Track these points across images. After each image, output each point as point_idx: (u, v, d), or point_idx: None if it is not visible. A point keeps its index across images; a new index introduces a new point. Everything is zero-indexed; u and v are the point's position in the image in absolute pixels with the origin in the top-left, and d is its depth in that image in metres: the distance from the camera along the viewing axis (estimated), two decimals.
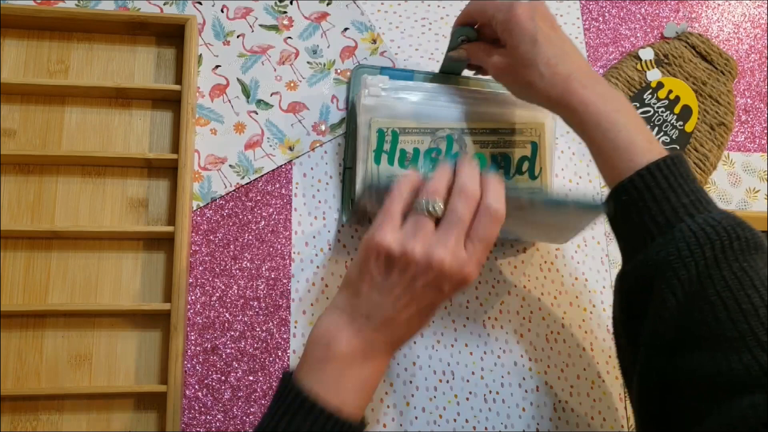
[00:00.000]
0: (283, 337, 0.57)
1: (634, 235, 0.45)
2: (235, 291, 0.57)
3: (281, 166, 0.62)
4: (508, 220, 0.43)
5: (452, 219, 0.42)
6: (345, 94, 0.65)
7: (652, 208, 0.43)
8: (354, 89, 0.61)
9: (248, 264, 0.58)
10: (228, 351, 0.56)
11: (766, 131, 0.71)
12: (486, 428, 0.56)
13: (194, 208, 0.59)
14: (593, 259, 0.63)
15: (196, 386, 0.55)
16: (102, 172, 0.59)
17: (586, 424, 0.58)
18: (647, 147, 0.45)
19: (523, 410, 0.57)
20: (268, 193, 0.61)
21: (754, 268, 0.39)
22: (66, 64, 0.61)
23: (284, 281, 0.58)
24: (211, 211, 0.59)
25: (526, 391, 0.58)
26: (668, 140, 0.65)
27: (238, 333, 0.56)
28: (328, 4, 0.68)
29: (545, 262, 0.62)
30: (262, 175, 0.61)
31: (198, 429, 0.54)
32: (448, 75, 0.62)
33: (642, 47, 0.69)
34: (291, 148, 0.62)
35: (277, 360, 0.56)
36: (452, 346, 0.58)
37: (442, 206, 0.43)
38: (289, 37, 0.66)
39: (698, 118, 0.67)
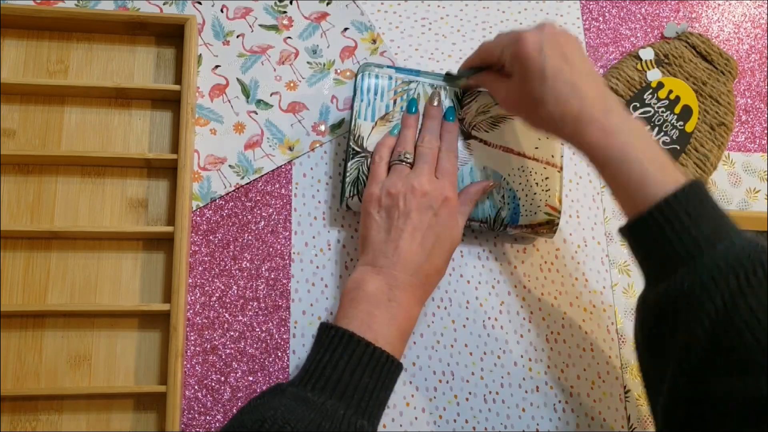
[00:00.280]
0: (283, 338, 0.57)
1: (656, 264, 0.45)
2: (235, 291, 0.57)
3: (281, 166, 0.62)
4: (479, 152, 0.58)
5: (420, 160, 0.54)
6: (345, 94, 0.65)
7: (673, 240, 0.43)
8: (360, 83, 0.61)
9: (248, 264, 0.58)
10: (228, 351, 0.56)
11: (766, 131, 0.71)
12: (486, 428, 0.56)
13: (194, 209, 0.59)
14: (593, 260, 0.63)
15: (196, 386, 0.55)
16: (101, 172, 0.59)
17: (586, 424, 0.58)
18: (661, 178, 0.45)
19: (523, 410, 0.57)
20: (268, 193, 0.61)
21: None
22: (66, 64, 0.61)
23: (284, 281, 0.58)
24: (210, 212, 0.59)
25: (526, 391, 0.58)
26: (668, 140, 0.65)
27: (237, 333, 0.56)
28: (327, 4, 0.68)
29: (545, 262, 0.62)
30: (262, 176, 0.61)
31: (198, 429, 0.53)
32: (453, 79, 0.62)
33: (642, 47, 0.69)
34: (291, 148, 0.62)
35: (277, 360, 0.56)
36: (452, 346, 0.58)
37: (411, 155, 0.55)
38: (289, 37, 0.66)
39: (698, 118, 0.67)
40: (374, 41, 0.67)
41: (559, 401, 0.58)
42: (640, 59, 0.69)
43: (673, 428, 0.43)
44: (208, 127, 0.62)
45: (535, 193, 0.59)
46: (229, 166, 0.61)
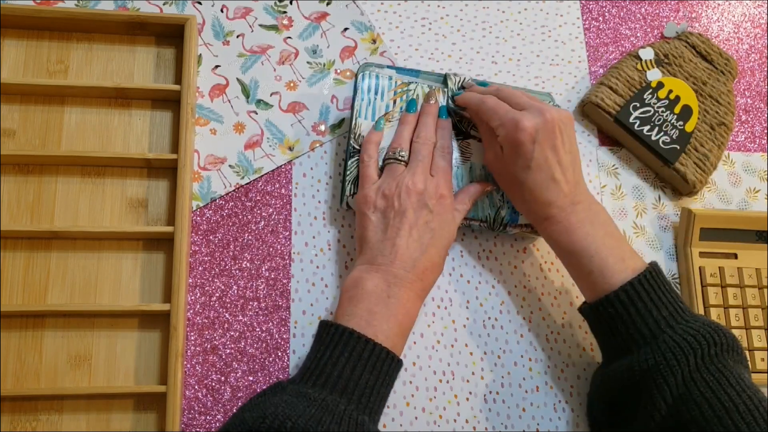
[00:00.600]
0: (283, 337, 0.57)
1: (619, 342, 0.51)
2: (235, 291, 0.57)
3: (281, 166, 0.62)
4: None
5: (415, 158, 0.55)
6: (345, 94, 0.65)
7: (637, 321, 0.49)
8: (361, 83, 0.61)
9: (248, 264, 0.58)
10: (228, 351, 0.56)
11: (766, 131, 0.71)
12: (486, 428, 0.56)
13: (194, 208, 0.59)
14: None
15: (196, 386, 0.55)
16: (101, 172, 0.59)
17: (586, 424, 0.57)
18: (620, 267, 0.50)
19: (523, 410, 0.57)
20: (268, 193, 0.61)
21: (728, 368, 0.47)
22: (65, 64, 0.61)
23: (284, 281, 0.58)
24: (210, 211, 0.59)
25: (526, 391, 0.58)
26: (668, 140, 0.65)
27: (237, 333, 0.56)
28: (327, 4, 0.68)
29: (545, 262, 0.62)
30: (262, 175, 0.61)
31: (198, 429, 0.53)
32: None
33: (642, 47, 0.69)
34: (291, 148, 0.62)
35: (277, 360, 0.56)
36: (452, 346, 0.58)
37: (406, 153, 0.55)
38: (289, 37, 0.66)
39: (698, 118, 0.67)
40: (374, 41, 0.67)
41: (559, 401, 0.58)
42: (640, 59, 0.69)
43: None
44: (208, 127, 0.62)
45: None
46: (229, 166, 0.61)
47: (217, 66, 0.64)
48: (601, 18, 0.73)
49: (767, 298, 0.62)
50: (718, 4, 0.76)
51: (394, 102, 0.59)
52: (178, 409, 0.51)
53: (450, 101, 0.60)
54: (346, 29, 0.67)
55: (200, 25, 0.65)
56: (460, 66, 0.68)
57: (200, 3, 0.66)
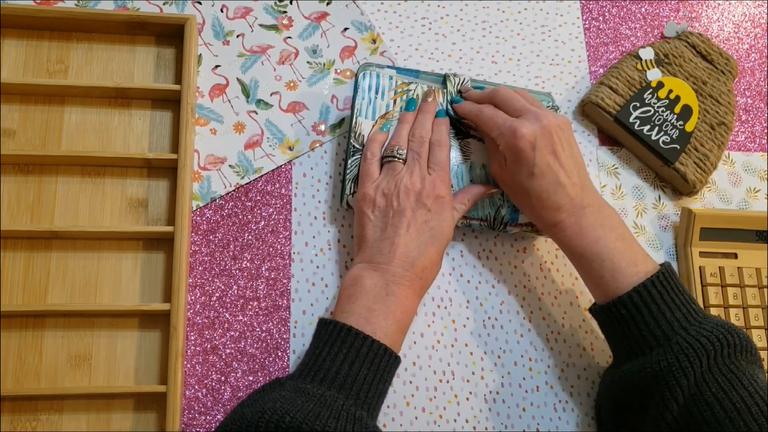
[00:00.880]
0: (283, 337, 0.57)
1: (631, 344, 0.50)
2: (235, 291, 0.57)
3: (281, 166, 0.62)
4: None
5: (412, 156, 0.55)
6: (345, 93, 0.65)
7: (650, 323, 0.49)
8: (361, 82, 0.61)
9: (248, 264, 0.58)
10: (228, 351, 0.56)
11: (766, 131, 0.71)
12: (486, 428, 0.56)
13: (194, 208, 0.59)
14: None
15: (196, 386, 0.55)
16: (101, 172, 0.59)
17: (586, 424, 0.58)
18: (632, 272, 0.50)
19: (523, 410, 0.57)
20: (268, 193, 0.61)
21: (740, 369, 0.47)
22: (65, 64, 0.61)
23: (284, 281, 0.58)
24: (210, 211, 0.59)
25: (526, 391, 0.58)
26: (668, 140, 0.65)
27: (238, 333, 0.56)
28: (327, 4, 0.68)
29: (545, 262, 0.62)
30: (262, 175, 0.61)
31: (198, 429, 0.53)
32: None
33: (642, 47, 0.69)
34: (291, 148, 0.62)
35: (277, 360, 0.56)
36: (452, 346, 0.58)
37: (404, 150, 0.55)
38: (289, 37, 0.66)
39: (698, 118, 0.67)
40: (374, 41, 0.67)
41: (559, 401, 0.58)
42: (640, 59, 0.69)
43: None
44: (208, 126, 0.62)
45: None
46: (229, 165, 0.61)
47: (217, 66, 0.64)
48: (601, 18, 0.73)
49: (767, 298, 0.62)
50: (718, 4, 0.76)
51: (395, 102, 0.59)
52: (178, 409, 0.51)
53: (449, 106, 0.60)
54: (346, 29, 0.67)
55: (200, 25, 0.65)
56: (460, 66, 0.68)
57: (200, 3, 0.66)
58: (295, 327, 0.57)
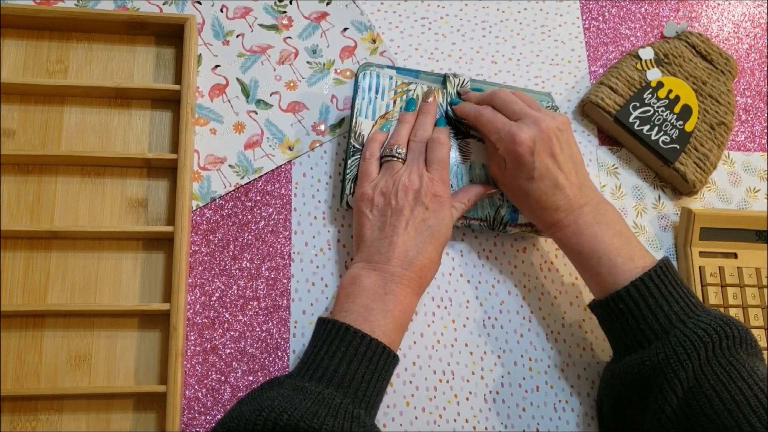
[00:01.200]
0: (283, 337, 0.57)
1: (630, 337, 0.51)
2: (235, 291, 0.57)
3: (281, 166, 0.62)
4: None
5: (412, 156, 0.55)
6: (344, 93, 0.65)
7: (648, 316, 0.49)
8: (362, 82, 0.60)
9: (248, 264, 0.58)
10: (228, 351, 0.56)
11: (766, 131, 0.71)
12: (486, 428, 0.56)
13: (194, 208, 0.59)
14: None
15: (196, 386, 0.55)
16: (101, 172, 0.59)
17: (586, 424, 0.58)
18: (629, 267, 0.51)
19: (523, 410, 0.57)
20: (268, 193, 0.61)
21: (740, 361, 0.47)
22: (65, 64, 0.61)
23: (284, 281, 0.58)
24: (210, 211, 0.59)
25: (526, 391, 0.58)
26: (668, 140, 0.65)
27: (237, 333, 0.56)
28: (327, 4, 0.68)
29: (545, 262, 0.62)
30: (262, 175, 0.61)
31: (198, 429, 0.53)
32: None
33: (642, 47, 0.69)
34: (291, 148, 0.62)
35: (277, 360, 0.56)
36: (452, 346, 0.58)
37: (403, 150, 0.56)
38: (289, 37, 0.66)
39: (698, 118, 0.67)
40: (374, 41, 0.67)
41: (559, 401, 0.58)
42: (640, 59, 0.69)
43: None
44: (208, 126, 0.62)
45: None
46: (229, 165, 0.61)
47: (217, 66, 0.64)
48: (601, 18, 0.73)
49: (767, 298, 0.62)
50: (718, 4, 0.76)
51: (394, 102, 0.59)
52: (178, 409, 0.51)
53: (449, 107, 0.60)
54: (345, 29, 0.67)
55: (200, 24, 0.65)
56: (460, 66, 0.68)
57: (200, 3, 0.66)
58: (295, 327, 0.57)
